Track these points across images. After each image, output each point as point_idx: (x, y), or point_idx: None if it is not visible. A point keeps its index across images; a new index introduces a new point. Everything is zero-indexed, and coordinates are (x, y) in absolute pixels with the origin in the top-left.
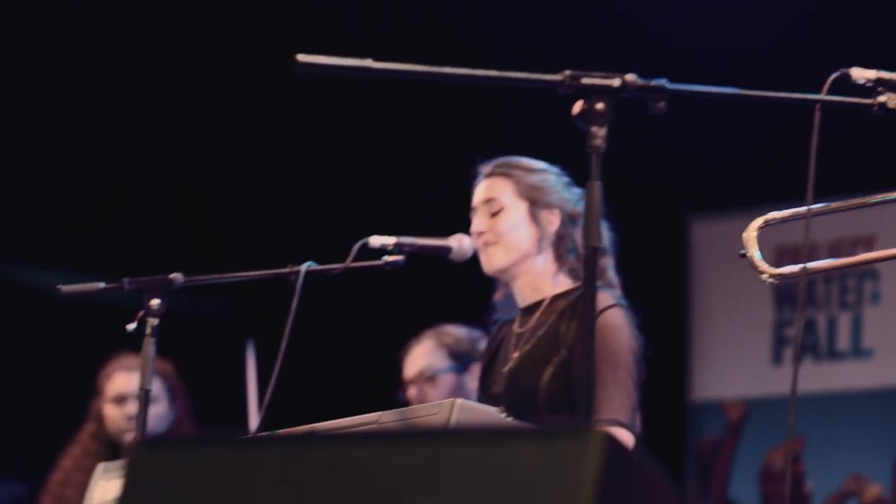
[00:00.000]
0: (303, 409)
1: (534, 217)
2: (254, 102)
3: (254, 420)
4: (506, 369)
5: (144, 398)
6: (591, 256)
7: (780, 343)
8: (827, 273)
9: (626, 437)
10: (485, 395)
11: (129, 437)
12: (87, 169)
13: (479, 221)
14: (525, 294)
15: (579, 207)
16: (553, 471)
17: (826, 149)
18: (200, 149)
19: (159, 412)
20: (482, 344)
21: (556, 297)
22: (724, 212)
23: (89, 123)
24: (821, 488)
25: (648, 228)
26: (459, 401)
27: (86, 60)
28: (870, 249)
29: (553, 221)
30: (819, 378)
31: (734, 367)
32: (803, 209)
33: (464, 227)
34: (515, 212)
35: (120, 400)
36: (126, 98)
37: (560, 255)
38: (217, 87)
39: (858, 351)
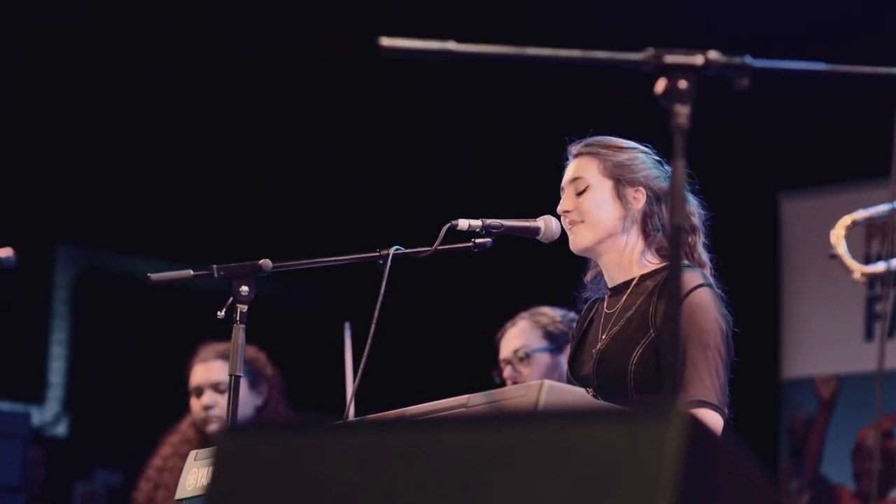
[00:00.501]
0: (397, 392)
1: (619, 195)
2: (329, 93)
3: (350, 403)
4: (595, 350)
5: (235, 384)
6: (676, 235)
7: (872, 318)
8: None
9: (715, 419)
10: (574, 377)
11: (210, 427)
12: (178, 158)
13: (565, 201)
14: (613, 273)
15: (667, 185)
16: (635, 452)
17: None
18: (284, 139)
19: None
20: None
21: (643, 277)
22: (815, 188)
23: (178, 109)
24: None
25: (739, 206)
26: (548, 382)
27: (148, 46)
28: None
29: (639, 199)
30: None
31: (826, 343)
32: (887, 207)
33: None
34: (600, 190)
35: (197, 392)
36: (215, 88)
37: (647, 233)
38: (298, 76)
39: None
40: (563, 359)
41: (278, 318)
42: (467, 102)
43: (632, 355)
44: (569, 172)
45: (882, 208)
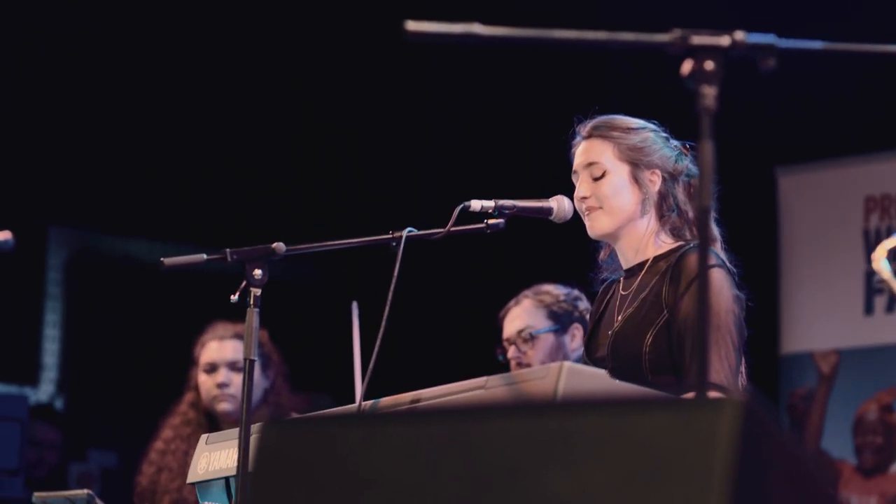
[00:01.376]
0: (402, 374)
1: (636, 179)
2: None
3: (359, 385)
4: (610, 332)
5: (250, 368)
6: (704, 218)
7: (872, 293)
8: None
9: None
10: (590, 358)
11: (221, 406)
12: (172, 139)
13: (581, 186)
14: (628, 256)
15: (680, 164)
16: (688, 441)
17: None
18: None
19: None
20: (582, 303)
21: (657, 258)
22: (813, 163)
23: (172, 91)
24: None
25: (737, 181)
26: (567, 364)
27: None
28: None
29: (655, 182)
30: None
31: (826, 317)
32: None
33: (562, 188)
34: (617, 175)
35: (211, 369)
36: (227, 67)
37: (662, 214)
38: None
39: None
40: (568, 339)
41: (277, 299)
42: (467, 80)
43: (646, 337)
44: (582, 156)
45: None
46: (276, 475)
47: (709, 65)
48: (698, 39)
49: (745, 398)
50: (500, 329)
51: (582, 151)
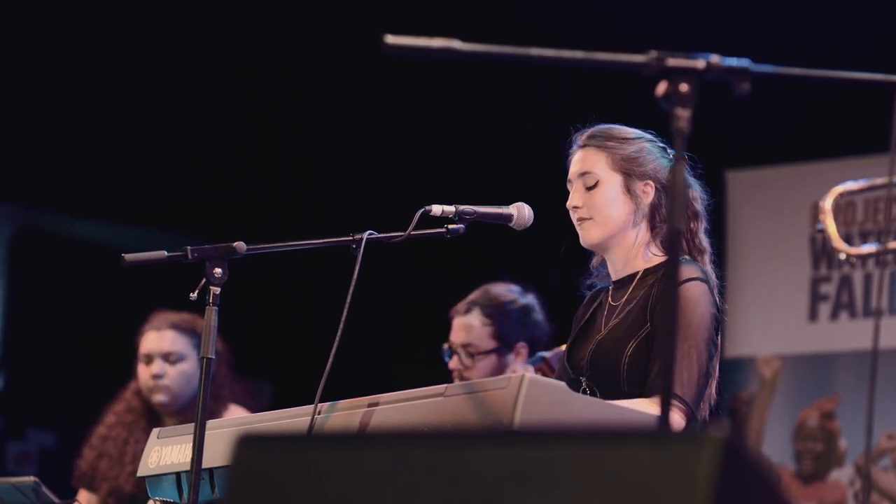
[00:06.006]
0: (354, 377)
1: (628, 190)
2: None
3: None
4: (594, 340)
5: (207, 367)
6: (674, 238)
7: (816, 299)
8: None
9: (677, 415)
10: (570, 363)
11: (156, 397)
12: (120, 118)
13: (574, 196)
14: (617, 267)
15: None
16: (667, 476)
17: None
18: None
19: (186, 370)
20: (534, 315)
21: (647, 271)
22: (762, 167)
23: (137, 69)
24: (854, 446)
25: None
26: (528, 376)
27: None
28: None
29: (648, 192)
30: (855, 335)
31: (770, 323)
32: (881, 181)
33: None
34: (610, 186)
35: (147, 360)
36: (176, 45)
37: (654, 226)
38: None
39: (894, 308)
40: (512, 357)
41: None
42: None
43: (626, 348)
44: (576, 165)
45: (871, 182)
46: (251, 495)
47: (683, 87)
48: (674, 62)
49: (725, 435)
50: (449, 322)
51: (576, 161)
